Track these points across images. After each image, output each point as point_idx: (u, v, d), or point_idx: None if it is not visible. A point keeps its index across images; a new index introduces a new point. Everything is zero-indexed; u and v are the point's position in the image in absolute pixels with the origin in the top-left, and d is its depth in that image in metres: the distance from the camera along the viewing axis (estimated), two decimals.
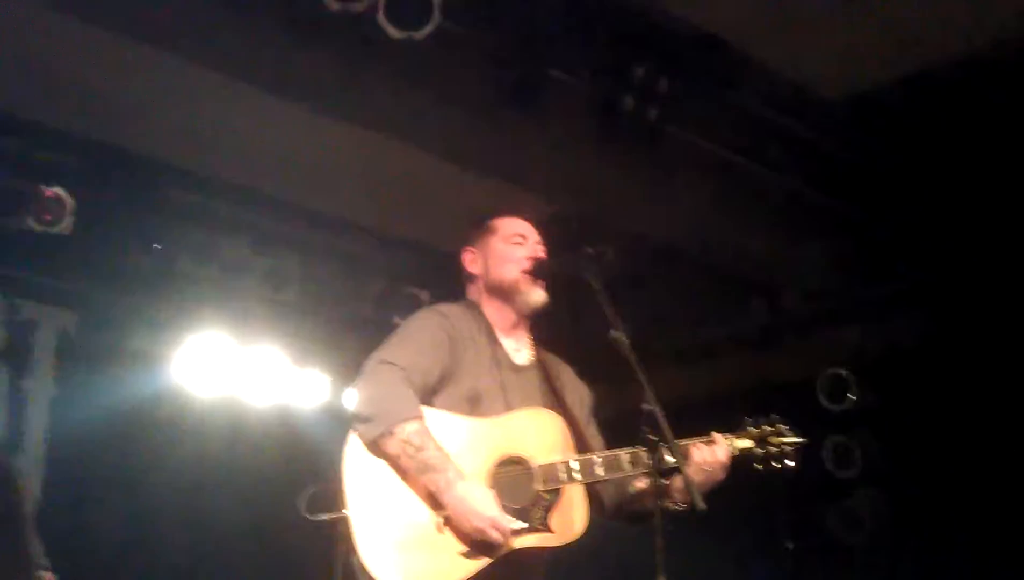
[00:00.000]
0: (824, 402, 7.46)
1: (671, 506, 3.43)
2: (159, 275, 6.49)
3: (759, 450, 3.67)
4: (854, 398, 7.36)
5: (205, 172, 6.29)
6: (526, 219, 3.87)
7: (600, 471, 3.47)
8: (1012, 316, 6.50)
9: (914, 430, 7.14)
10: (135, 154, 6.00)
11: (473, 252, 3.84)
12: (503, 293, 3.75)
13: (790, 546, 7.95)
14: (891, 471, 7.37)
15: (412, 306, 7.18)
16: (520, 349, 3.78)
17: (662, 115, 5.47)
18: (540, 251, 3.79)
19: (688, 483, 3.11)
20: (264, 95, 5.26)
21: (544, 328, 3.88)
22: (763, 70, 5.52)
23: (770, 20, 5.15)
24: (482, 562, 3.29)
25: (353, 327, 7.43)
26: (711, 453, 3.51)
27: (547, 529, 3.39)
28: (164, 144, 5.96)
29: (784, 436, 3.69)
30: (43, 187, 5.81)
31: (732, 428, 3.71)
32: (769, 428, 3.70)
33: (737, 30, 5.30)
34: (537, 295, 3.73)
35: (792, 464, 3.68)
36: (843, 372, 7.40)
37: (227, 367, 7.34)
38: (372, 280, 7.39)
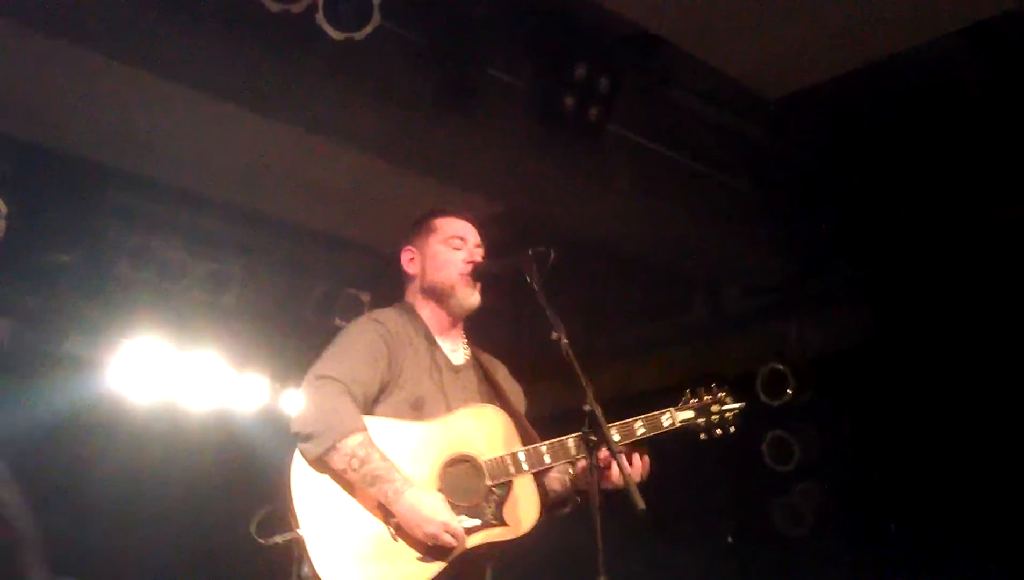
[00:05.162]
0: (763, 397, 7.51)
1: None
2: (96, 279, 6.38)
3: (701, 420, 3.73)
4: (791, 393, 7.42)
5: (142, 174, 6.20)
6: (467, 220, 3.86)
7: (547, 458, 3.49)
8: (949, 311, 6.59)
9: (853, 424, 7.23)
10: (70, 156, 5.92)
11: (412, 252, 3.82)
12: (438, 295, 3.74)
13: (730, 540, 8.02)
14: (829, 464, 7.45)
15: (353, 308, 7.15)
16: (457, 349, 3.78)
17: (602, 114, 5.50)
18: (478, 254, 3.78)
19: (628, 486, 3.05)
20: (203, 97, 5.21)
21: (484, 329, 3.88)
22: (702, 69, 5.58)
23: (709, 19, 5.20)
24: (440, 565, 3.29)
25: (294, 330, 7.37)
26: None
27: (500, 523, 3.40)
28: (100, 146, 5.89)
29: (724, 404, 3.77)
30: None
31: (674, 401, 3.76)
32: (709, 397, 3.76)
33: (676, 29, 5.35)
34: (473, 298, 3.73)
35: (733, 430, 3.77)
36: (781, 367, 7.46)
37: (165, 372, 7.25)
38: (313, 282, 7.34)
